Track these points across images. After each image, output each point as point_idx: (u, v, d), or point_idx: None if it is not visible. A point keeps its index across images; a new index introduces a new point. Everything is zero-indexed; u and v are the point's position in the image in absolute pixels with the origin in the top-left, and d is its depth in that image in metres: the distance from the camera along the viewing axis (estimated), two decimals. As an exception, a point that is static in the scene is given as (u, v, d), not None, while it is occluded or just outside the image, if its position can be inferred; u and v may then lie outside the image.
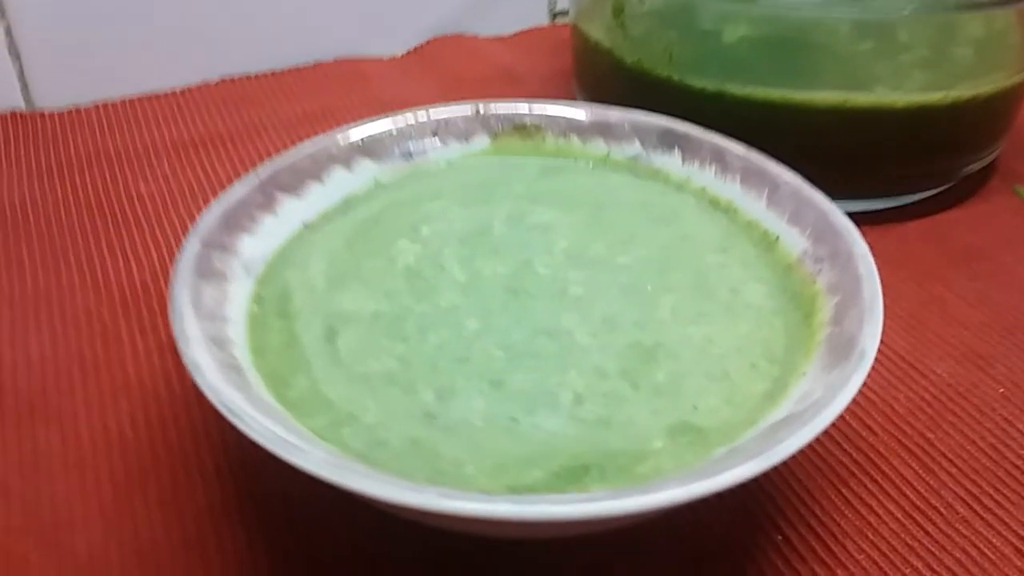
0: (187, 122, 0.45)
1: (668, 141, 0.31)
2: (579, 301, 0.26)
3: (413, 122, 0.32)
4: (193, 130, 0.44)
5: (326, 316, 0.25)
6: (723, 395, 0.23)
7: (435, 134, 0.32)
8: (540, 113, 0.33)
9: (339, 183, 0.31)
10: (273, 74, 0.49)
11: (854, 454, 0.27)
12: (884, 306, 0.23)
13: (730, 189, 0.30)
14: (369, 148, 0.31)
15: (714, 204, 0.30)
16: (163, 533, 0.24)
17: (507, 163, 0.32)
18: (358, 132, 0.31)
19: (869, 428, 0.28)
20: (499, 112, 0.33)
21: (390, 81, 0.48)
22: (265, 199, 0.28)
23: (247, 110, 0.46)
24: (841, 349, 0.22)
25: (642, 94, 0.37)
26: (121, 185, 0.39)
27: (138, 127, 0.45)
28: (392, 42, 0.51)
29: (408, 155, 0.32)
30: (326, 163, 0.30)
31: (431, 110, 0.32)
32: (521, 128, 0.33)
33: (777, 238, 0.28)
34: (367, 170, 0.31)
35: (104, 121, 0.45)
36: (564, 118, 0.33)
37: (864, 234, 0.26)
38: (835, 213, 0.27)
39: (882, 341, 0.24)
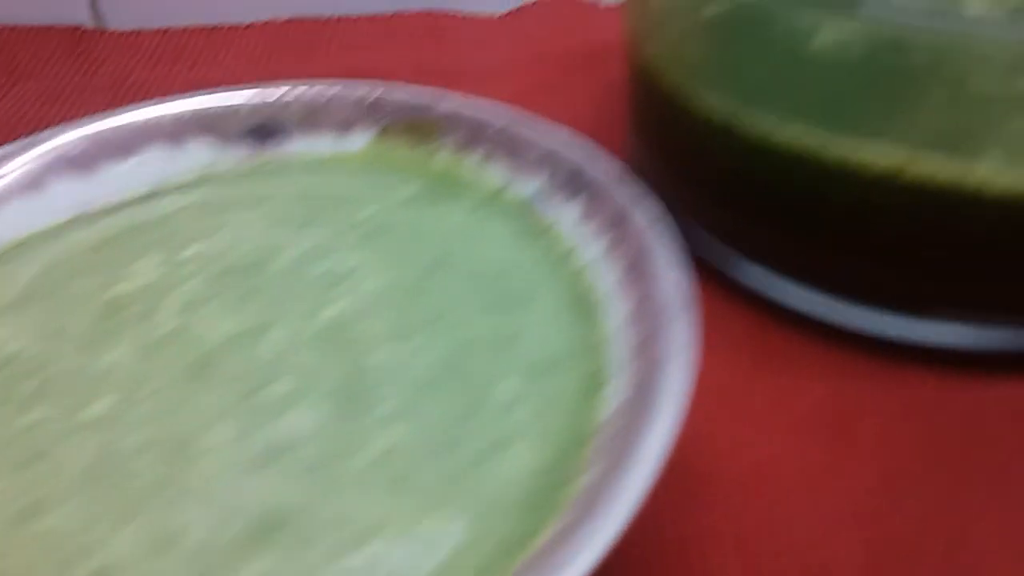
0: (230, 61, 0.40)
1: (575, 185, 0.21)
2: (267, 407, 0.17)
3: (276, 98, 0.24)
4: (226, 71, 0.39)
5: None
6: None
7: (305, 120, 0.24)
8: (447, 111, 0.23)
9: (154, 166, 0.23)
10: (340, 20, 0.42)
11: None
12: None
13: (607, 281, 0.19)
14: (209, 125, 0.24)
15: (583, 299, 0.19)
16: None
17: (373, 179, 0.23)
18: (199, 102, 0.24)
19: None
20: (395, 100, 0.24)
21: (467, 46, 0.40)
22: (32, 176, 0.22)
23: (291, 57, 0.40)
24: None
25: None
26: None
27: (185, 60, 0.40)
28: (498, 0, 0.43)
29: (260, 141, 0.24)
30: (142, 137, 0.23)
31: (308, 87, 0.24)
32: (415, 128, 0.23)
33: (602, 385, 0.17)
34: (198, 154, 0.24)
35: (159, 49, 0.41)
36: (474, 121, 0.23)
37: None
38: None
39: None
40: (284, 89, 0.24)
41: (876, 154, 0.20)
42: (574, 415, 0.17)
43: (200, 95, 0.24)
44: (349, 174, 0.23)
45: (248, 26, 0.42)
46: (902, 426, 0.23)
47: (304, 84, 0.24)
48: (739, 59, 0.22)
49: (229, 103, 0.24)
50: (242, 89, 0.24)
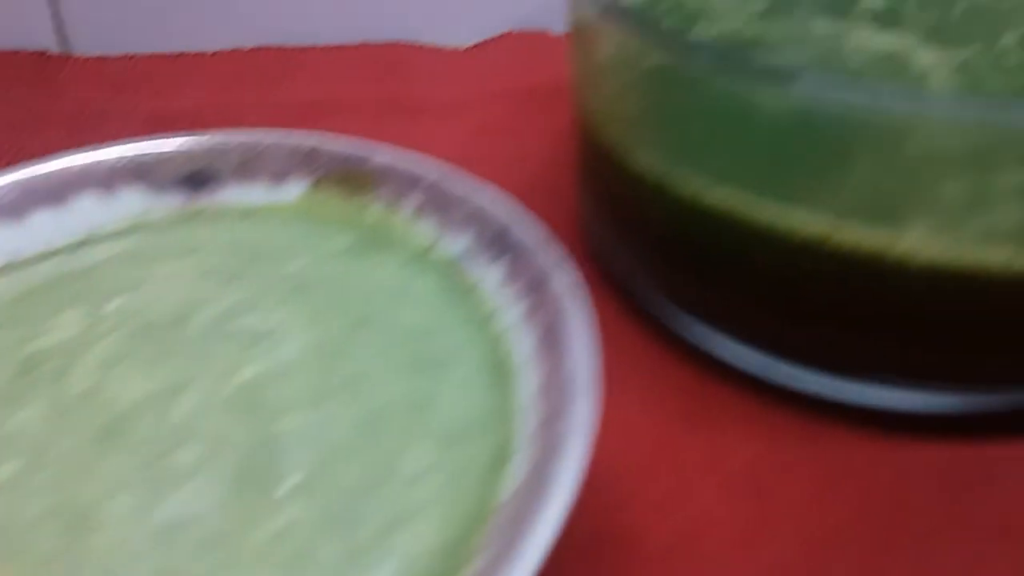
0: (193, 90, 0.40)
1: (500, 246, 0.21)
2: (171, 476, 0.17)
3: (211, 146, 0.24)
4: (188, 100, 0.39)
5: None
6: None
7: (240, 168, 0.24)
8: (380, 164, 0.23)
9: (86, 214, 0.23)
10: (306, 49, 0.42)
11: None
12: None
13: (524, 348, 0.19)
14: (143, 172, 0.24)
15: (501, 365, 0.19)
16: None
17: (306, 230, 0.23)
18: (133, 149, 0.24)
19: None
20: (330, 151, 0.24)
21: (431, 80, 0.40)
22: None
23: (254, 87, 0.40)
24: None
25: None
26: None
27: (149, 88, 0.40)
28: (465, 29, 0.43)
29: (194, 189, 0.24)
30: (75, 184, 0.23)
31: (241, 135, 0.24)
32: (349, 179, 0.23)
33: (508, 459, 0.17)
34: (131, 202, 0.24)
35: (124, 76, 0.41)
36: (406, 175, 0.23)
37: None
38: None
39: None
40: (219, 137, 0.24)
41: (802, 221, 0.20)
42: (479, 490, 0.17)
43: (134, 142, 0.24)
44: (282, 224, 0.23)
45: (214, 53, 0.42)
46: (834, 486, 0.23)
47: (239, 132, 0.24)
48: (670, 119, 0.22)
49: (163, 150, 0.24)
50: (176, 136, 0.24)
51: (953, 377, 0.22)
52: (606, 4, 0.21)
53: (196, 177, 0.24)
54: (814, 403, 0.24)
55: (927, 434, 0.23)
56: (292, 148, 0.24)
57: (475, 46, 0.42)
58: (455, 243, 0.21)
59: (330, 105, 0.38)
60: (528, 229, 0.20)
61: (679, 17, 0.30)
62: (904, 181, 0.19)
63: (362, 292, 0.21)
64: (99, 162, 0.23)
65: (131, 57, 0.42)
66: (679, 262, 0.23)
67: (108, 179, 0.23)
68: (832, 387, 0.23)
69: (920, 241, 0.19)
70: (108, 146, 0.24)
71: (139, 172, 0.24)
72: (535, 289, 0.19)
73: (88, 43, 0.43)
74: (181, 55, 0.42)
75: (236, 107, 0.38)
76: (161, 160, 0.24)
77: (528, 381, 0.18)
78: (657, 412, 0.25)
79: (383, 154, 0.23)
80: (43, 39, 0.43)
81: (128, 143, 0.24)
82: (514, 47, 0.42)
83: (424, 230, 0.22)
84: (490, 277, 0.20)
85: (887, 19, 0.29)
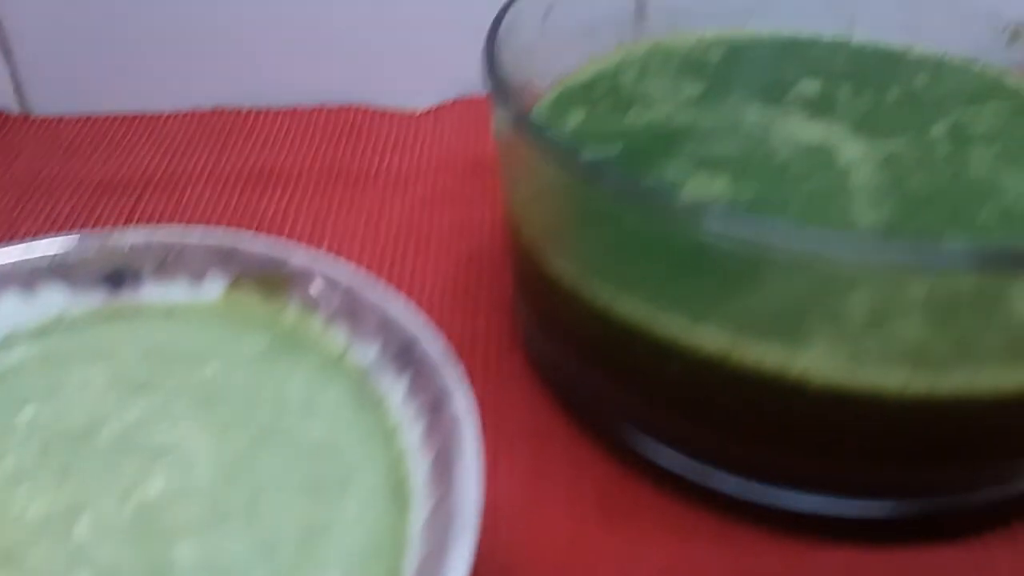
0: (144, 155, 0.40)
1: (404, 359, 0.21)
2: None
3: (132, 245, 0.24)
4: (138, 165, 0.39)
5: None
6: None
7: (160, 267, 0.24)
8: (298, 267, 0.23)
9: (7, 312, 0.23)
10: (260, 112, 0.42)
11: None
12: None
13: (420, 472, 0.19)
14: (64, 270, 0.24)
15: (399, 488, 0.19)
16: None
17: (223, 331, 0.23)
18: (54, 246, 0.24)
19: None
20: (249, 251, 0.24)
21: (382, 146, 0.40)
22: None
23: (205, 152, 0.40)
24: None
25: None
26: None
27: (102, 152, 0.40)
28: (423, 94, 0.43)
29: (115, 288, 0.24)
30: (-3, 282, 0.23)
31: (162, 232, 0.24)
32: (267, 281, 0.23)
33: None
34: (52, 300, 0.24)
35: (79, 139, 0.41)
36: (322, 280, 0.23)
37: None
38: None
39: None
40: (140, 235, 0.24)
41: (704, 337, 0.20)
42: (363, 625, 0.17)
43: (55, 238, 0.24)
44: (201, 324, 0.23)
45: (170, 115, 0.43)
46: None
47: (160, 230, 0.24)
48: (577, 230, 0.23)
49: (84, 249, 0.24)
50: (97, 234, 0.24)
51: (861, 486, 0.22)
52: (516, 116, 0.21)
53: (116, 276, 0.24)
54: (731, 503, 0.24)
55: (839, 537, 0.23)
56: (212, 248, 0.24)
57: (429, 111, 0.42)
58: (365, 353, 0.22)
59: (280, 173, 0.38)
60: (432, 344, 0.20)
61: (615, 101, 0.30)
62: (800, 304, 0.19)
63: (271, 402, 0.21)
64: (20, 260, 0.23)
65: (88, 118, 0.43)
66: (597, 362, 0.24)
67: (29, 276, 0.24)
68: (747, 489, 0.23)
69: (818, 362, 0.19)
70: (30, 242, 0.24)
71: (60, 270, 0.24)
72: (433, 410, 0.19)
73: (47, 104, 0.43)
74: (138, 116, 0.43)
75: (185, 174, 0.38)
76: (82, 259, 0.24)
77: (420, 509, 0.18)
78: (577, 506, 0.25)
79: (300, 256, 0.23)
80: (4, 99, 0.43)
81: (50, 239, 0.24)
82: (467, 113, 0.42)
83: (337, 337, 0.22)
84: (395, 391, 0.21)
85: (820, 106, 0.30)
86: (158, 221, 0.35)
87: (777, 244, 0.18)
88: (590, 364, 0.24)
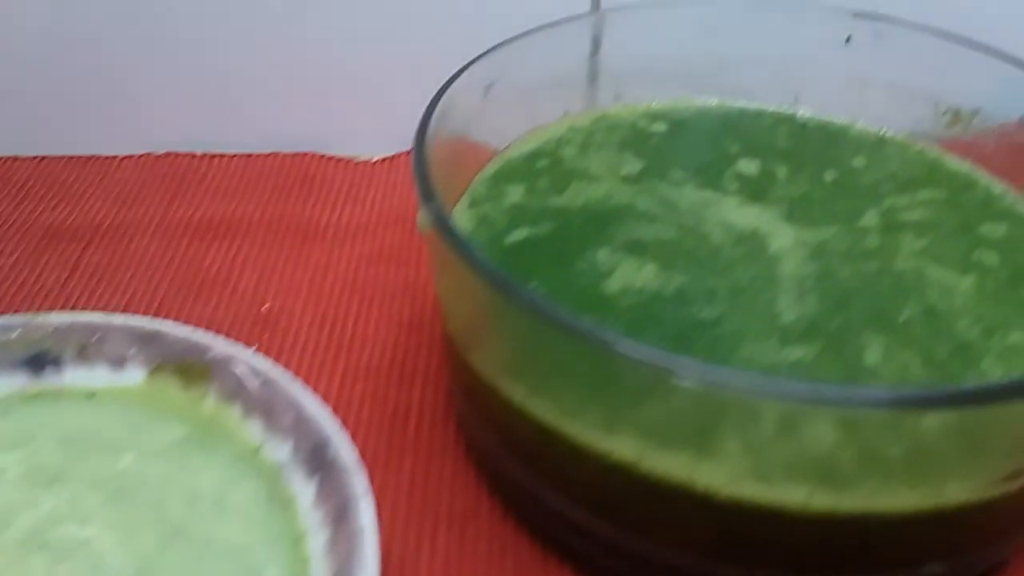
0: (94, 200, 0.40)
1: (315, 461, 0.21)
2: None
3: (53, 328, 0.24)
4: (87, 211, 0.39)
5: None
6: None
7: (81, 351, 0.24)
8: (217, 357, 0.23)
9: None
10: (215, 157, 0.42)
11: None
12: None
13: (318, 585, 0.19)
14: (-15, 351, 0.24)
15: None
16: None
17: (141, 419, 0.23)
18: (-25, 328, 0.24)
19: None
20: (170, 338, 0.24)
21: (334, 197, 0.40)
22: None
23: (155, 198, 0.40)
24: None
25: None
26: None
27: (53, 196, 0.40)
28: (380, 142, 0.43)
29: (37, 371, 0.24)
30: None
31: (85, 316, 0.24)
32: (187, 369, 0.24)
33: None
34: (-28, 381, 0.24)
35: (30, 181, 0.41)
36: (241, 372, 0.23)
37: None
38: None
39: None
40: (62, 318, 0.24)
41: (613, 443, 0.20)
42: None
43: (-23, 321, 0.24)
44: (121, 409, 0.23)
45: (124, 158, 0.42)
46: None
47: (83, 314, 0.24)
48: (491, 330, 0.23)
49: (5, 331, 0.24)
50: (19, 317, 0.24)
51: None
52: (436, 219, 0.21)
53: (37, 360, 0.24)
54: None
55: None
56: (133, 333, 0.24)
57: (384, 160, 0.42)
58: (280, 449, 0.22)
59: (229, 223, 0.38)
60: (343, 447, 0.21)
61: (554, 176, 0.30)
62: (705, 421, 0.19)
63: (183, 498, 0.21)
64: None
65: (42, 159, 0.42)
66: (519, 452, 0.24)
67: (-50, 358, 0.24)
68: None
69: (722, 475, 0.20)
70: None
71: (-19, 352, 0.24)
72: (337, 520, 0.19)
73: (1, 143, 0.43)
74: (92, 158, 0.42)
75: (133, 223, 0.38)
76: (5, 341, 0.24)
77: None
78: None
79: (222, 346, 0.23)
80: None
81: (-28, 322, 0.24)
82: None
83: (253, 430, 0.22)
84: (306, 493, 0.21)
85: (756, 188, 0.30)
86: (102, 274, 0.35)
87: (681, 377, 0.18)
88: (512, 453, 0.24)
